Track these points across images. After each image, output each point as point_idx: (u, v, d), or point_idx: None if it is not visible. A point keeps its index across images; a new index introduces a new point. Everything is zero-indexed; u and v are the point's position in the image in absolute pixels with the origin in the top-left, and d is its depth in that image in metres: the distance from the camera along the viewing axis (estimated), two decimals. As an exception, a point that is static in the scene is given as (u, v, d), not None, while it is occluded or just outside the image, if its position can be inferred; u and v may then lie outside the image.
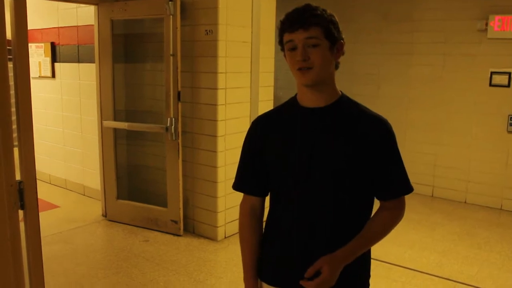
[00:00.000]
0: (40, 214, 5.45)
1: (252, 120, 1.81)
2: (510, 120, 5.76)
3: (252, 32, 4.67)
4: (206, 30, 4.38)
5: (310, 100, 1.68)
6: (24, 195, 2.02)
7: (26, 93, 1.99)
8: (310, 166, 1.64)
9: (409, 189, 1.72)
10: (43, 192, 6.34)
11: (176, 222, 4.71)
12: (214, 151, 4.48)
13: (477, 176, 6.06)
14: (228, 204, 4.67)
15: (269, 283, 1.81)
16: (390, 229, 1.73)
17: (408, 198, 1.77)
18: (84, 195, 6.15)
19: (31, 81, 7.23)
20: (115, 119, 4.99)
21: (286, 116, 1.75)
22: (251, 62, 4.69)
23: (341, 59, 1.72)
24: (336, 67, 1.70)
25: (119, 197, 5.12)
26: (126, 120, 5.06)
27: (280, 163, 1.72)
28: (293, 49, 1.60)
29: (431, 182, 6.38)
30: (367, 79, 6.63)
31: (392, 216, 1.73)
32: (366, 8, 6.63)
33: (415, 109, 6.40)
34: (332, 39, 1.61)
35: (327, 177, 1.64)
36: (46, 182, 6.79)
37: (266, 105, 4.93)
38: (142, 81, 5.32)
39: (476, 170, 6.06)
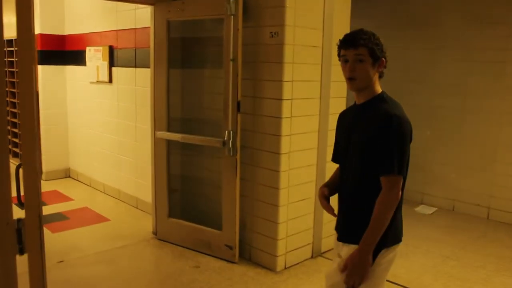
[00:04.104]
0: (89, 228, 5.05)
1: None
2: None
3: (323, 36, 4.09)
4: (271, 33, 3.84)
5: (357, 98, 2.29)
6: (24, 236, 1.54)
7: (30, 100, 1.51)
8: (348, 144, 2.29)
9: (389, 170, 2.11)
10: (96, 202, 6.04)
11: (231, 247, 4.19)
12: (277, 171, 3.93)
13: None
14: (290, 230, 4.10)
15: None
16: (382, 209, 2.13)
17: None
18: (136, 208, 5.77)
19: (89, 86, 6.88)
20: (168, 130, 4.55)
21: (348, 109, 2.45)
22: (321, 69, 4.11)
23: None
24: (381, 75, 2.25)
25: (170, 214, 4.67)
26: (181, 130, 4.61)
27: (338, 141, 2.45)
28: (346, 61, 2.19)
29: (526, 211, 5.52)
30: (451, 91, 5.84)
31: (381, 197, 2.14)
32: (451, 10, 5.85)
33: (509, 125, 5.54)
34: (375, 57, 2.16)
35: (356, 152, 2.24)
36: (100, 191, 6.49)
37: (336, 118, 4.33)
38: (199, 89, 4.86)
39: None
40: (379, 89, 2.22)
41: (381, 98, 2.21)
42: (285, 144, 3.91)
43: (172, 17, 4.36)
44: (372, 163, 2.14)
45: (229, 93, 3.97)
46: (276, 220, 4.00)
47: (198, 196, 4.87)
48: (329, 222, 4.50)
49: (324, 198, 2.38)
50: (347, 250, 2.25)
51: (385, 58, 2.19)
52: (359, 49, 2.12)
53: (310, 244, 4.34)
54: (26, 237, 1.55)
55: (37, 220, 1.60)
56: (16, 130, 7.49)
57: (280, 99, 3.83)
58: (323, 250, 4.44)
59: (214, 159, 4.53)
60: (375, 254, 2.17)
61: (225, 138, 4.00)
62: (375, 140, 2.12)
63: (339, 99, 4.36)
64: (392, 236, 2.21)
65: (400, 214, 2.28)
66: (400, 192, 2.15)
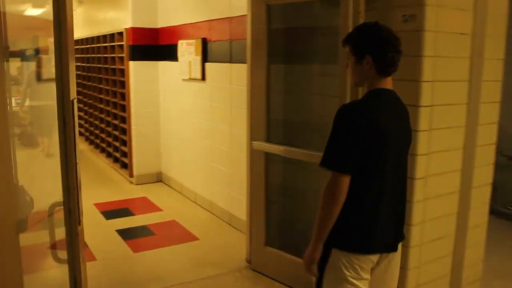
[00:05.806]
0: (176, 247, 4.24)
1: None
2: None
3: (474, 19, 3.04)
4: (404, 15, 2.86)
5: None
6: None
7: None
8: None
9: (322, 162, 2.03)
10: (185, 215, 5.39)
11: (342, 292, 3.28)
12: (408, 201, 2.94)
13: None
14: (423, 278, 3.10)
15: None
16: (322, 199, 2.04)
17: None
18: (230, 224, 5.03)
19: (182, 84, 6.00)
20: (267, 140, 3.73)
21: None
22: (471, 65, 3.07)
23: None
24: (380, 72, 2.05)
25: (267, 243, 3.85)
26: (283, 141, 3.77)
27: None
28: None
29: None
30: None
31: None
32: None
33: None
34: (359, 55, 2.06)
35: None
36: (191, 200, 5.85)
37: (488, 130, 3.27)
38: (306, 89, 3.96)
39: None
40: (374, 86, 2.09)
41: (365, 95, 2.12)
42: (421, 166, 2.90)
43: (273, 1, 3.51)
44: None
45: (345, 95, 3.06)
46: (405, 266, 3.02)
47: (301, 222, 3.99)
48: (473, 265, 3.48)
49: None
50: None
51: (373, 55, 2.02)
52: (345, 47, 2.13)
53: (448, 293, 3.32)
54: None
55: None
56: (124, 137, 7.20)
57: (417, 106, 2.83)
58: (463, 301, 3.40)
59: (323, 176, 3.63)
60: (327, 251, 2.08)
61: (339, 155, 3.09)
62: None
63: (492, 104, 3.29)
64: (346, 239, 2.07)
65: (371, 220, 2.07)
66: (340, 193, 1.98)
